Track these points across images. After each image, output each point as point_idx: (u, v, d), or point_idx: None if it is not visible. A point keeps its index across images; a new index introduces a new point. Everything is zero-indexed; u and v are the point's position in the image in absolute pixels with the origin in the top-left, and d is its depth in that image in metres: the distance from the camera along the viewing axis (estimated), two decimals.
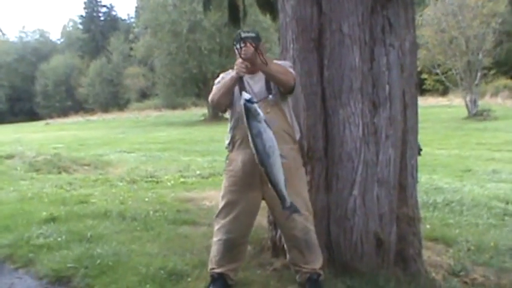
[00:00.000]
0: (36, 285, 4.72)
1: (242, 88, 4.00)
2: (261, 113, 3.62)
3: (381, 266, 4.45)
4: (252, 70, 3.92)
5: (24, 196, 8.64)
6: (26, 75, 74.36)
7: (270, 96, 4.01)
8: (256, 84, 4.04)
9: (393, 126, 4.44)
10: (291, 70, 4.07)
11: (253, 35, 3.84)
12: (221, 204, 4.17)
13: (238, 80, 4.00)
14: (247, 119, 3.61)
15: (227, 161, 4.21)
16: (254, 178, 3.93)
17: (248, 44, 3.76)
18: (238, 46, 3.79)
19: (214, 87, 4.09)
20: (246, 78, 4.06)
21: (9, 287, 4.72)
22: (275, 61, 4.07)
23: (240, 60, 3.81)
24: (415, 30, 4.72)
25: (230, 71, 4.09)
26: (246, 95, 3.67)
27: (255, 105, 3.63)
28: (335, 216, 4.48)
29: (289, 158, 3.94)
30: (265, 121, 3.63)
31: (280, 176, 3.66)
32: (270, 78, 3.96)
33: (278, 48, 5.04)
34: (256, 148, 3.62)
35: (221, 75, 4.18)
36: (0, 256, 5.46)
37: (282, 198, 3.72)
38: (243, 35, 3.83)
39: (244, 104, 3.62)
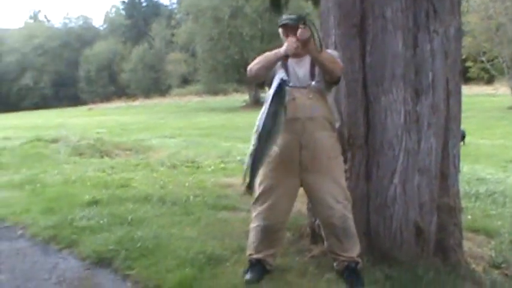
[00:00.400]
0: (79, 265, 4.82)
1: (286, 71, 3.99)
2: (273, 88, 3.63)
3: (420, 255, 4.39)
4: (300, 53, 3.91)
5: (67, 179, 8.79)
6: (70, 61, 75.35)
7: (313, 82, 3.98)
8: (300, 69, 4.02)
9: (436, 115, 4.37)
10: (339, 61, 4.05)
11: (313, 21, 3.83)
12: (259, 190, 4.16)
13: (284, 63, 4.00)
14: (274, 95, 3.61)
15: None
16: (293, 163, 3.92)
17: (307, 27, 3.73)
18: (298, 25, 3.77)
19: (257, 58, 4.07)
20: (292, 62, 4.04)
21: (54, 266, 4.83)
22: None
23: (293, 39, 3.78)
24: (460, 16, 4.63)
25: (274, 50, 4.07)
26: (284, 74, 3.66)
27: (286, 89, 3.64)
28: (375, 204, 4.44)
29: (327, 146, 3.94)
30: (285, 108, 3.63)
31: (261, 162, 3.74)
32: (318, 65, 3.93)
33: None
34: (264, 125, 3.65)
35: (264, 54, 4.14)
36: (45, 237, 5.59)
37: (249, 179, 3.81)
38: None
39: (280, 83, 3.62)
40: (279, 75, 3.65)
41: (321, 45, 3.79)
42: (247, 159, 3.75)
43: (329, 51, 4.12)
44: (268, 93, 3.82)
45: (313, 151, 3.92)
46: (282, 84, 3.61)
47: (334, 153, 4.08)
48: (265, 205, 4.10)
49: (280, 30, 4.15)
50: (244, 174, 3.82)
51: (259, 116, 3.71)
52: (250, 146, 3.71)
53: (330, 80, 4.00)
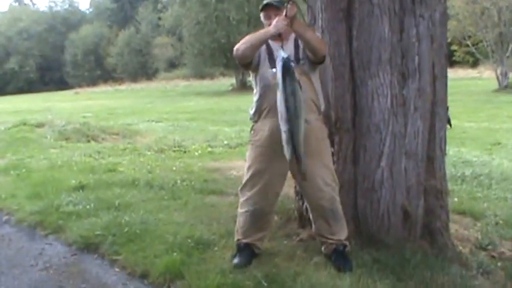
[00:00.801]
0: (66, 251, 4.82)
1: (270, 53, 3.99)
2: (279, 70, 3.61)
3: (408, 238, 4.42)
4: (286, 32, 3.92)
5: (54, 164, 8.78)
6: (55, 45, 74.79)
7: (299, 64, 3.98)
8: (285, 50, 4.01)
9: (422, 98, 4.38)
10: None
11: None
12: (247, 175, 4.17)
13: (268, 46, 4.00)
14: (284, 75, 3.58)
15: (252, 132, 4.19)
16: (281, 147, 3.92)
17: (292, 3, 3.73)
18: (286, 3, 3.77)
19: (243, 39, 4.04)
20: (275, 45, 4.04)
21: (40, 252, 4.82)
22: None
23: (281, 17, 3.76)
24: (445, 1, 4.63)
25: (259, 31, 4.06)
26: (284, 53, 3.65)
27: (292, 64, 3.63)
28: (362, 188, 4.46)
29: (316, 128, 3.95)
30: (299, 82, 3.62)
31: (301, 140, 3.64)
32: (305, 43, 3.92)
33: (306, 19, 4.98)
34: (288, 106, 3.58)
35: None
36: (31, 222, 5.59)
37: (300, 160, 3.71)
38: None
39: (285, 61, 3.59)
40: (279, 55, 3.63)
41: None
42: (285, 146, 3.69)
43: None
44: (272, 77, 3.88)
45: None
46: (287, 62, 3.59)
47: (321, 134, 4.10)
48: (254, 190, 4.10)
49: (262, 13, 4.15)
50: (290, 158, 3.76)
51: (278, 103, 3.64)
52: (282, 134, 3.65)
53: (315, 59, 3.99)
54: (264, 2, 4.12)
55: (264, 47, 4.03)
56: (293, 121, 3.59)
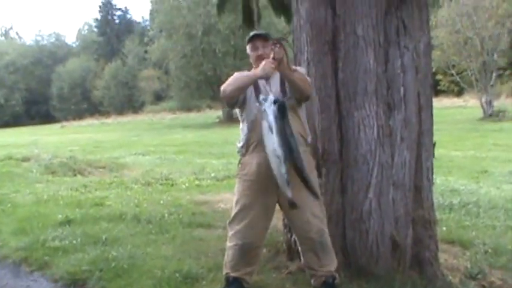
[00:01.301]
0: (52, 287, 4.75)
1: (257, 88, 4.00)
2: (268, 112, 3.63)
3: (397, 269, 4.41)
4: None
5: (40, 199, 8.71)
6: (42, 78, 74.80)
7: (285, 99, 3.99)
8: (271, 86, 4.02)
9: (408, 128, 4.41)
10: (308, 79, 4.08)
11: (285, 39, 3.86)
12: (235, 209, 4.15)
13: (255, 82, 4.02)
14: (282, 118, 3.61)
15: (240, 166, 4.18)
16: (270, 181, 3.89)
17: (280, 46, 3.75)
18: (272, 44, 3.79)
19: (230, 78, 4.05)
20: (261, 80, 4.04)
21: None
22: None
23: (269, 60, 3.77)
24: (429, 32, 4.70)
25: (245, 71, 4.08)
26: (273, 97, 3.67)
27: (263, 105, 3.66)
28: (350, 219, 4.45)
29: (304, 160, 3.95)
30: (271, 120, 3.64)
31: (279, 178, 3.68)
32: (290, 84, 3.94)
33: (292, 51, 5.03)
34: (291, 147, 3.63)
35: (235, 74, 4.13)
36: (16, 259, 5.52)
37: (312, 190, 3.81)
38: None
39: (281, 104, 3.63)
40: (270, 98, 3.65)
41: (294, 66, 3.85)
42: (283, 186, 3.70)
43: (295, 67, 4.13)
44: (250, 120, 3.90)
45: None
46: (281, 104, 3.62)
47: (309, 166, 4.08)
48: (242, 224, 4.07)
49: (249, 45, 4.18)
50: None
51: (274, 146, 3.65)
52: (282, 175, 3.66)
53: (300, 98, 4.03)
54: (251, 33, 4.15)
55: None
56: (299, 158, 3.68)
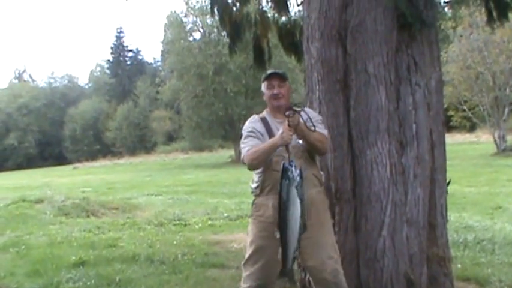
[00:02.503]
0: None
1: (270, 131, 4.00)
2: (298, 179, 3.61)
3: None
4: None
5: (53, 240, 8.71)
6: (54, 120, 75.28)
7: (301, 141, 3.99)
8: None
9: (421, 166, 4.42)
10: (327, 138, 4.08)
11: (298, 109, 3.86)
12: (250, 250, 4.12)
13: (267, 124, 4.03)
14: (289, 186, 3.61)
15: (254, 206, 4.16)
16: None
17: (295, 114, 3.77)
18: (286, 114, 3.78)
19: (250, 152, 4.01)
20: (273, 122, 4.06)
21: None
22: (306, 108, 4.11)
23: (286, 128, 3.77)
24: (440, 69, 4.73)
25: (257, 117, 4.12)
26: (299, 170, 3.67)
27: (293, 170, 3.63)
28: (364, 257, 4.43)
29: (317, 201, 3.94)
30: (297, 187, 3.62)
31: (293, 243, 3.66)
32: (308, 145, 3.94)
33: (304, 89, 5.06)
34: (287, 211, 3.62)
35: (248, 125, 4.12)
36: None
37: (286, 260, 3.72)
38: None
39: (286, 171, 3.63)
40: (298, 170, 3.66)
41: (313, 126, 3.84)
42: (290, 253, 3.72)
43: (312, 114, 4.09)
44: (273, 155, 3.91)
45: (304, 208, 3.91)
46: (287, 168, 3.64)
47: (323, 206, 4.07)
48: (256, 266, 4.04)
49: (265, 83, 4.14)
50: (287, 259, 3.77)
51: (297, 214, 3.64)
52: (296, 242, 3.67)
53: (316, 154, 4.04)
54: (268, 71, 4.16)
55: (261, 124, 4.08)
56: (287, 226, 3.66)
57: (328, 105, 4.54)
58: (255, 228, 4.10)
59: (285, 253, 3.68)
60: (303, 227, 3.66)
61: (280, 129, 3.84)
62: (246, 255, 4.15)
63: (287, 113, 3.75)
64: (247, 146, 4.02)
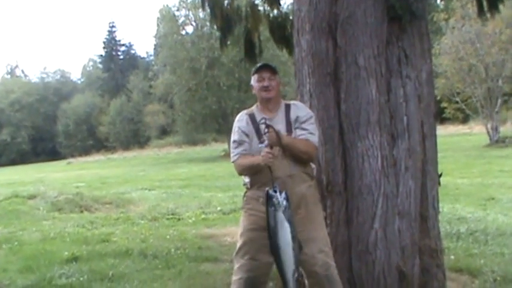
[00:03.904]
0: None
1: (258, 130, 4.00)
2: (284, 203, 3.60)
3: None
4: (273, 105, 4.05)
5: (46, 236, 8.70)
6: (47, 115, 75.13)
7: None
8: (275, 125, 3.97)
9: (412, 158, 4.42)
10: (316, 133, 4.08)
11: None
12: (240, 242, 4.13)
13: (254, 122, 4.05)
14: (275, 212, 3.61)
15: (245, 199, 4.18)
16: None
17: (271, 129, 3.80)
18: (263, 132, 3.83)
19: (238, 164, 4.08)
20: (262, 120, 4.04)
21: None
22: (297, 103, 4.16)
23: (265, 149, 3.76)
24: (431, 61, 4.74)
25: (245, 116, 4.13)
26: (285, 194, 3.65)
27: (278, 196, 3.62)
28: (356, 250, 4.44)
29: (307, 195, 3.96)
30: (285, 210, 3.61)
31: (289, 266, 3.63)
32: (293, 152, 3.94)
33: (295, 83, 5.06)
34: (277, 237, 3.62)
35: (235, 126, 4.15)
36: None
37: (286, 284, 3.69)
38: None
39: (270, 198, 3.63)
40: (283, 194, 3.63)
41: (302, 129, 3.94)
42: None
43: (303, 113, 4.08)
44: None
45: (294, 204, 3.92)
46: (271, 196, 3.63)
47: (313, 200, 4.07)
48: (246, 257, 4.05)
49: (255, 76, 4.13)
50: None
51: (288, 238, 3.63)
52: (292, 265, 3.65)
53: (306, 159, 4.04)
54: (259, 64, 4.16)
55: (249, 121, 4.09)
56: (279, 250, 3.65)
57: (319, 98, 4.54)
58: (245, 221, 4.12)
59: (284, 277, 3.67)
60: (299, 247, 3.66)
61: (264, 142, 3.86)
62: (237, 247, 4.16)
63: (264, 130, 3.78)
64: (235, 154, 4.11)
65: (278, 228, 3.59)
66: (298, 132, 3.98)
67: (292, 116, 4.02)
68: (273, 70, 4.09)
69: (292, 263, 3.60)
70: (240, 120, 4.15)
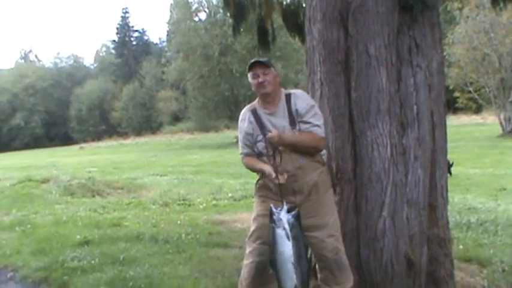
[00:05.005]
0: None
1: (262, 126, 4.05)
2: (291, 221, 3.61)
3: (412, 287, 4.41)
4: (273, 98, 4.09)
5: (59, 220, 8.79)
6: (61, 100, 75.50)
7: (294, 130, 4.02)
8: (277, 119, 4.04)
9: (422, 147, 4.44)
10: (320, 122, 4.08)
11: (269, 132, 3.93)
12: (253, 227, 4.18)
13: (257, 118, 4.10)
14: (298, 226, 3.63)
15: (258, 186, 4.23)
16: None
17: (269, 133, 3.87)
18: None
19: (245, 163, 4.22)
20: (265, 116, 4.09)
21: None
22: (298, 92, 4.18)
23: (272, 176, 3.85)
24: (442, 51, 4.74)
25: (248, 113, 4.18)
26: (287, 206, 3.67)
27: (278, 213, 3.64)
28: (365, 237, 4.47)
29: (319, 182, 4.01)
30: (292, 228, 3.62)
31: (287, 282, 3.63)
32: (301, 147, 3.99)
33: (306, 71, 5.07)
34: (301, 254, 3.63)
35: (240, 126, 4.23)
36: (35, 279, 5.59)
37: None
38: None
39: (296, 213, 3.63)
40: (284, 208, 3.65)
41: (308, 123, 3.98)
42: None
43: (312, 123, 4.07)
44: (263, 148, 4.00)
45: (305, 192, 3.98)
46: (296, 213, 3.64)
47: (324, 187, 4.11)
48: (259, 241, 4.09)
49: (249, 74, 4.17)
50: None
51: (288, 254, 3.61)
52: (293, 279, 3.65)
53: (313, 152, 4.08)
54: (251, 61, 4.16)
55: (252, 118, 4.13)
56: (277, 265, 3.65)
57: (329, 86, 4.56)
58: (258, 206, 4.18)
59: None
60: (308, 263, 3.71)
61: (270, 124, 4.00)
62: (249, 232, 4.22)
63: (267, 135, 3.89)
64: (241, 152, 4.26)
65: (276, 244, 3.62)
66: (302, 126, 4.01)
67: (293, 106, 4.04)
68: (265, 65, 4.09)
69: (292, 279, 3.60)
70: (243, 120, 4.20)
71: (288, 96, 4.06)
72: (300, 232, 3.62)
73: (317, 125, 4.03)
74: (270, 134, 3.86)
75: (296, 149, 3.95)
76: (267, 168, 3.91)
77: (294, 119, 4.03)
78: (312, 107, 4.09)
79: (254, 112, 4.13)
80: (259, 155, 4.09)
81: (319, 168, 4.10)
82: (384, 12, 4.37)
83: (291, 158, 3.95)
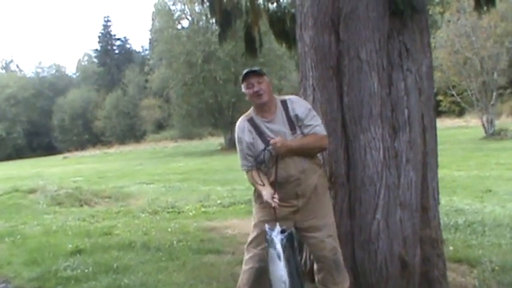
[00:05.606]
0: None
1: (261, 134, 4.09)
2: (276, 241, 3.64)
3: None
4: (270, 105, 4.10)
5: (48, 229, 8.76)
6: (43, 110, 74.96)
7: (294, 135, 4.06)
8: (277, 126, 4.08)
9: (413, 150, 4.50)
10: (318, 122, 4.14)
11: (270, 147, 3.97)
12: (253, 233, 4.21)
13: (256, 127, 4.12)
14: (290, 247, 3.64)
15: (256, 194, 4.24)
16: (288, 209, 4.02)
17: (272, 141, 3.92)
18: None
19: (249, 177, 4.21)
20: (262, 124, 4.11)
21: None
22: (294, 98, 4.22)
23: (270, 202, 3.87)
24: (431, 54, 4.81)
25: (245, 123, 4.18)
26: (279, 227, 3.70)
27: (270, 234, 3.67)
28: (359, 240, 4.52)
29: (318, 185, 4.08)
30: (285, 248, 3.64)
31: None
32: (306, 150, 4.05)
33: (293, 75, 5.13)
34: (294, 275, 3.63)
35: (238, 136, 4.22)
36: None
37: None
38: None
39: (289, 234, 3.66)
40: (276, 229, 3.68)
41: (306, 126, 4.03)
42: None
43: (312, 125, 4.11)
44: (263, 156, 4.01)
45: (308, 195, 4.04)
46: (289, 234, 3.67)
47: (322, 190, 4.18)
48: (259, 247, 4.10)
49: (244, 84, 4.15)
50: None
51: (279, 273, 3.63)
52: None
53: (319, 151, 4.18)
54: (245, 71, 4.15)
55: (251, 128, 4.14)
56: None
57: (321, 92, 4.61)
58: (259, 212, 4.21)
59: None
60: (301, 285, 3.71)
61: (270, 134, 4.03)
62: (249, 238, 4.24)
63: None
64: (243, 165, 4.25)
65: (269, 264, 3.67)
66: (304, 129, 4.05)
67: (291, 112, 4.07)
68: (259, 74, 4.10)
69: None
70: (241, 130, 4.19)
71: (284, 103, 4.10)
72: (292, 253, 3.65)
73: (318, 125, 4.10)
74: (272, 140, 3.90)
75: (301, 152, 4.00)
76: (265, 195, 3.93)
77: (293, 124, 4.07)
78: (310, 110, 4.15)
79: (251, 121, 4.15)
80: (259, 164, 4.10)
81: (318, 171, 4.16)
82: (375, 18, 4.44)
83: (294, 162, 4.00)
